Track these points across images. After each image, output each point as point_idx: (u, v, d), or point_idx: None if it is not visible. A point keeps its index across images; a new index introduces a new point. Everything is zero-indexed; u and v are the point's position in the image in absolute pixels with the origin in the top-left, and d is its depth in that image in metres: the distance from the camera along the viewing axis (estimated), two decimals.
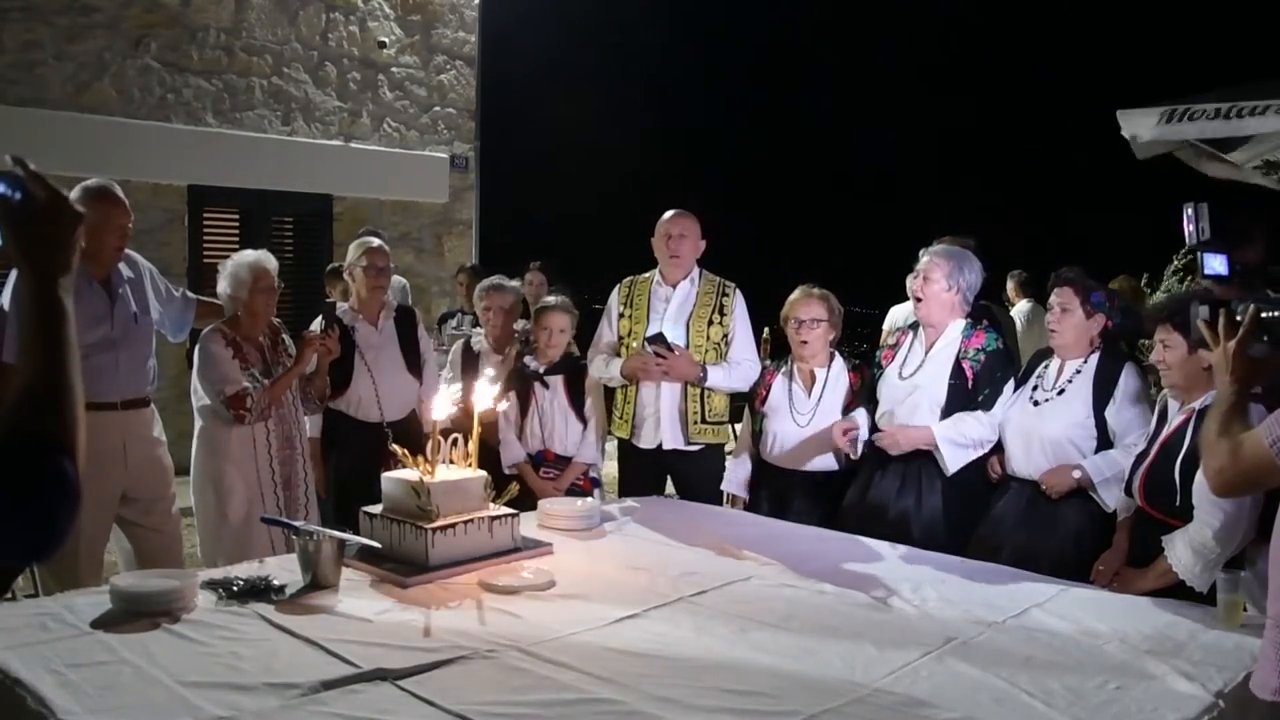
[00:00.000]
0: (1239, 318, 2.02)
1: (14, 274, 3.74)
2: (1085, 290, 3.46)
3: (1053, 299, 3.51)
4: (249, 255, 4.07)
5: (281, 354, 4.16)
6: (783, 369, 4.14)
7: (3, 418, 1.24)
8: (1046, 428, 3.41)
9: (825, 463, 3.95)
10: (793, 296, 4.09)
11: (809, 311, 3.99)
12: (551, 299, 4.62)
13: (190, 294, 4.46)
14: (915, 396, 3.73)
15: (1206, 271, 2.32)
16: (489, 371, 3.59)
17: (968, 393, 3.66)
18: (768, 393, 4.10)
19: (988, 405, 3.63)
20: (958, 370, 3.70)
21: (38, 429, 1.23)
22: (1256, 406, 2.40)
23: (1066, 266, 3.59)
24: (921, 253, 3.90)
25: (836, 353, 4.13)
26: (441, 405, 3.23)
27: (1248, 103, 4.88)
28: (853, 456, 3.78)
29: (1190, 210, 2.32)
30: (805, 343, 4.01)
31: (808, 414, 3.96)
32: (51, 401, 1.26)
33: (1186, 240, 2.34)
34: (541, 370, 4.38)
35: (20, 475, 1.19)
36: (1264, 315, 1.98)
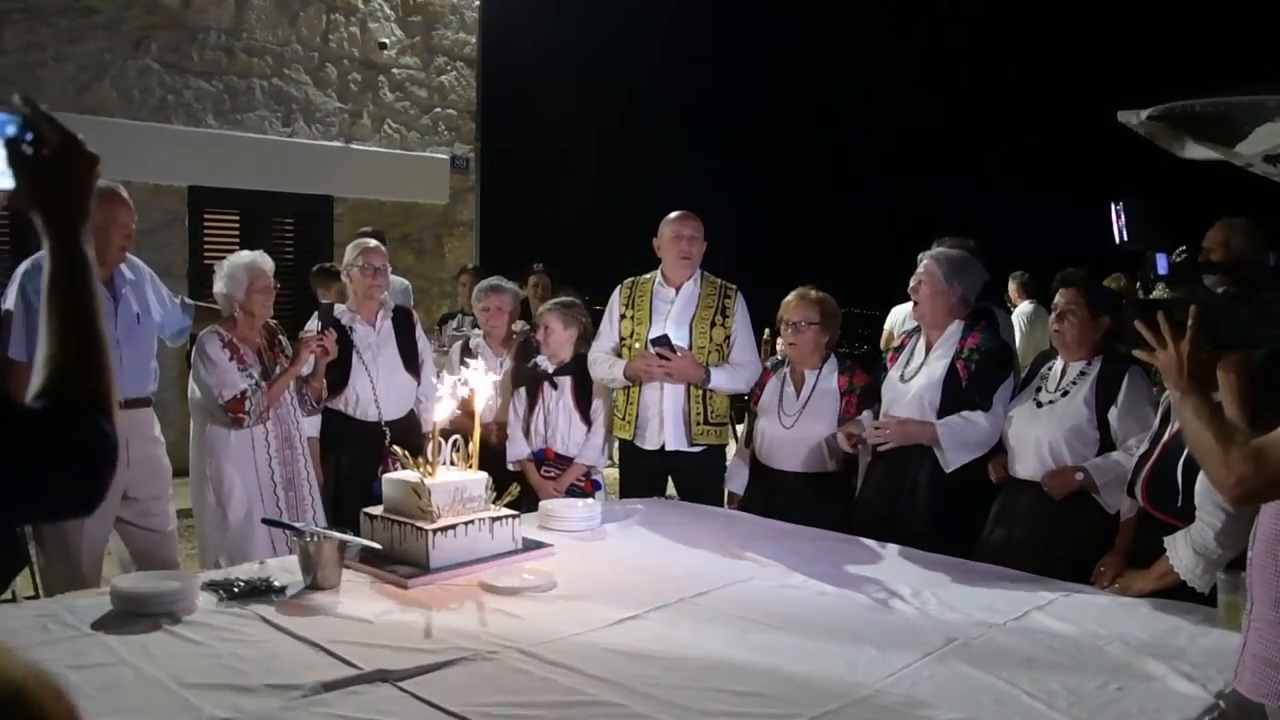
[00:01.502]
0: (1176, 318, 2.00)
1: (19, 271, 3.74)
2: (1090, 292, 3.46)
3: (1057, 300, 3.51)
4: (245, 256, 4.07)
5: (279, 354, 4.16)
6: (778, 370, 4.16)
7: (38, 379, 1.22)
8: (1049, 429, 3.41)
9: (811, 464, 3.96)
10: (788, 299, 4.12)
11: (799, 314, 4.02)
12: (551, 301, 4.65)
13: (189, 300, 4.46)
14: (913, 398, 3.74)
15: (1159, 271, 2.30)
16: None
17: (962, 392, 3.67)
18: (762, 392, 4.12)
19: (984, 404, 3.63)
20: (953, 371, 3.71)
21: (73, 389, 1.21)
22: None
23: (1072, 268, 3.59)
24: (920, 257, 3.92)
25: (833, 355, 4.14)
26: (444, 400, 3.23)
27: (1248, 99, 4.88)
28: (850, 451, 3.79)
29: (1118, 207, 2.29)
30: (793, 344, 4.03)
31: (794, 415, 3.97)
32: (83, 360, 1.24)
33: (1116, 239, 2.32)
34: (552, 370, 4.41)
35: (59, 437, 1.18)
36: (1208, 315, 1.97)
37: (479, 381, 3.25)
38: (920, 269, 3.86)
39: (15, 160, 1.24)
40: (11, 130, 1.24)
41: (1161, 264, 2.15)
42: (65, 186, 1.27)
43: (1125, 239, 2.21)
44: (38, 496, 1.17)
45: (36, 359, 1.24)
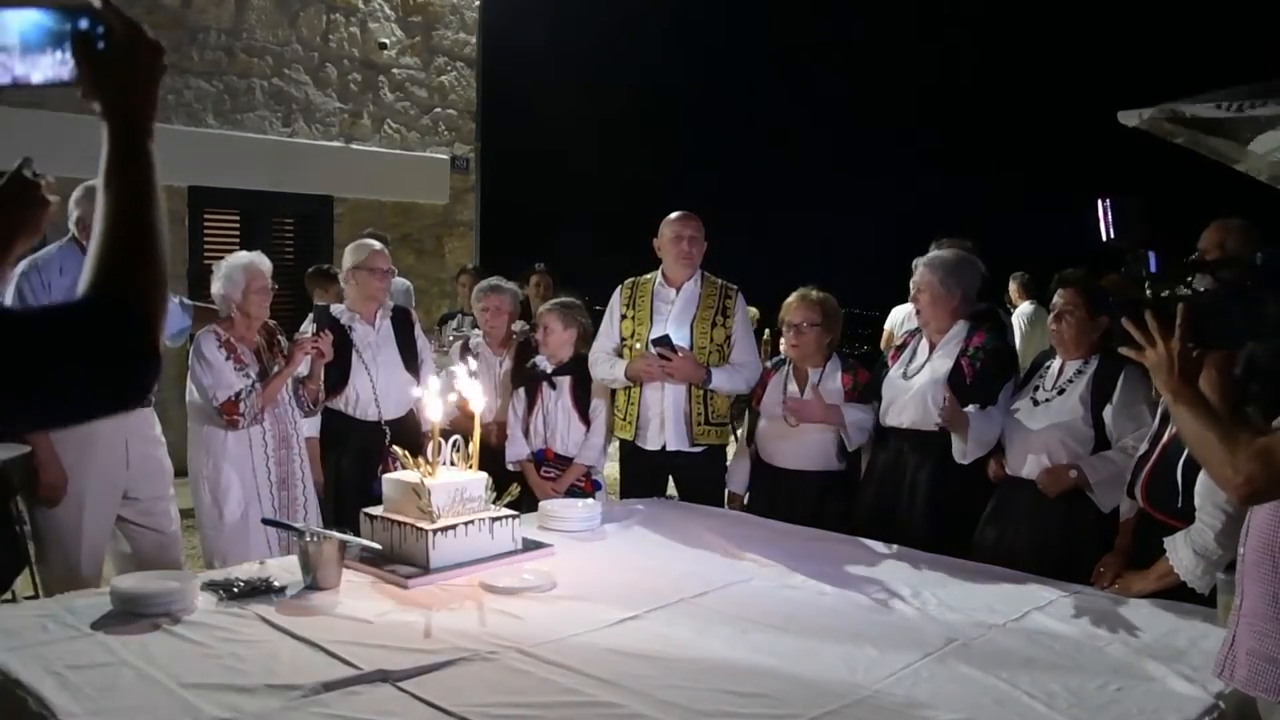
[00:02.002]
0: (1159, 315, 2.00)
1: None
2: (1089, 292, 3.46)
3: (1056, 300, 3.52)
4: (243, 256, 4.06)
5: (277, 354, 4.15)
6: (780, 369, 4.16)
7: (86, 275, 1.18)
8: (1045, 427, 3.41)
9: (816, 462, 3.96)
10: (789, 300, 4.12)
11: (800, 315, 4.02)
12: (551, 301, 4.64)
13: (187, 300, 4.46)
14: (916, 394, 3.75)
15: (1151, 269, 2.30)
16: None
17: (967, 389, 3.67)
18: (764, 392, 4.12)
19: (990, 402, 3.63)
20: (958, 368, 3.72)
21: (119, 293, 1.16)
22: None
23: (1070, 268, 3.59)
24: (915, 262, 3.94)
25: (836, 354, 4.14)
26: (435, 401, 3.23)
27: (1248, 101, 4.86)
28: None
29: (1103, 205, 2.28)
30: (795, 346, 4.03)
31: None
32: (132, 258, 1.19)
33: (1102, 237, 2.31)
34: (550, 370, 4.41)
35: (97, 336, 1.14)
36: (1195, 313, 1.97)
37: (469, 387, 3.27)
38: (917, 277, 3.88)
39: (81, 52, 1.23)
40: (84, 24, 1.23)
41: (1153, 262, 2.16)
42: (128, 76, 1.26)
43: (1111, 236, 2.21)
44: (73, 395, 1.15)
45: (88, 256, 1.20)
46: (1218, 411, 1.97)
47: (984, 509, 3.58)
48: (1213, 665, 2.15)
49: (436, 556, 2.91)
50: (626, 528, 3.61)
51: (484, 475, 3.18)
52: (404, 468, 3.18)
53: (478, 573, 2.91)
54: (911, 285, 4.01)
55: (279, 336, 4.23)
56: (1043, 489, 3.36)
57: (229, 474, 3.94)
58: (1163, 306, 2.00)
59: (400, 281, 6.96)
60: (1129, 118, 5.41)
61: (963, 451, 3.58)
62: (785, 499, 3.93)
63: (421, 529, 2.93)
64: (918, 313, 3.93)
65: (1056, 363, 3.54)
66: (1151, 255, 2.15)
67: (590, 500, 3.91)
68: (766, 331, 7.76)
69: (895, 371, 3.90)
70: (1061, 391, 3.45)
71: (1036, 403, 3.49)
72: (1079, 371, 3.45)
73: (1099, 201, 2.22)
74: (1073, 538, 3.30)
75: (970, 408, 3.60)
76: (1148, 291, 2.10)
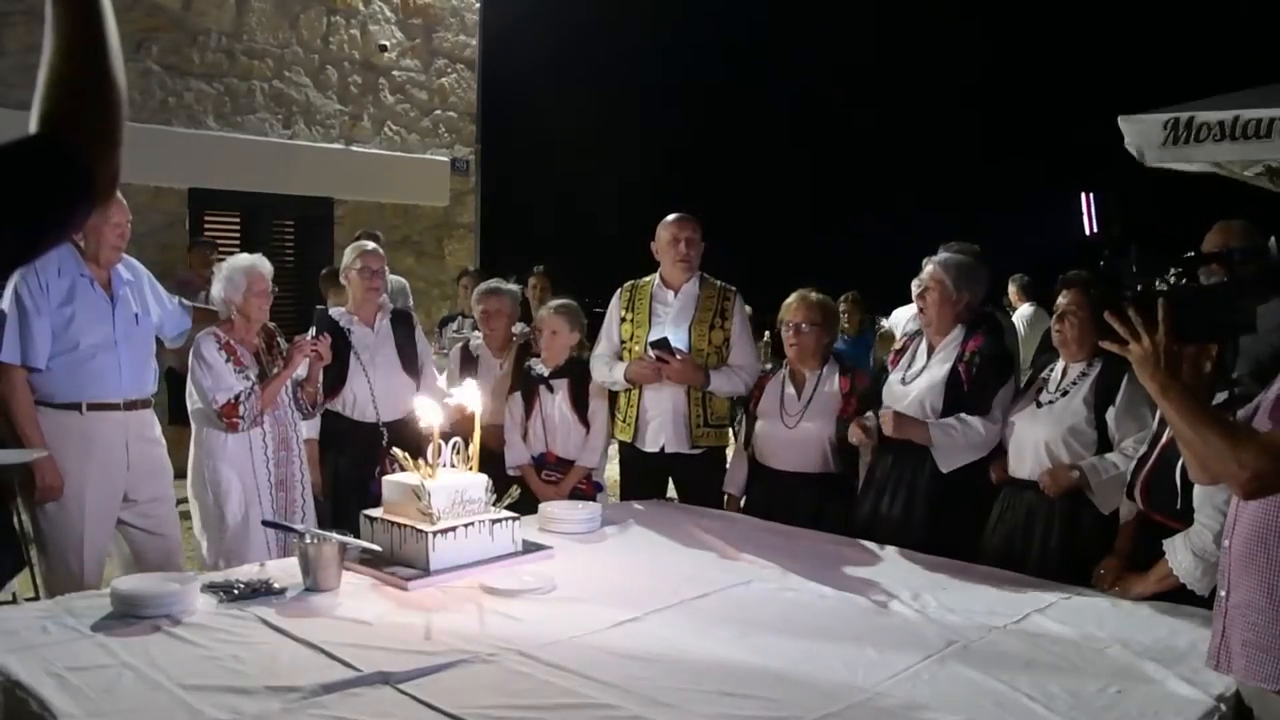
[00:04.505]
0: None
1: (15, 276, 3.73)
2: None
3: (1060, 301, 3.52)
4: (244, 259, 4.07)
5: (277, 357, 4.15)
6: (778, 372, 4.17)
7: (35, 109, 1.07)
8: (1048, 429, 3.41)
9: (814, 464, 3.96)
10: (788, 301, 4.13)
11: (799, 316, 4.03)
12: (554, 303, 4.64)
13: (186, 302, 4.46)
14: (913, 400, 3.75)
15: (1136, 263, 2.32)
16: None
17: (963, 395, 3.67)
18: (762, 394, 4.13)
19: (984, 407, 3.63)
20: (955, 374, 3.71)
21: (53, 130, 1.05)
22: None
23: (1074, 270, 3.59)
24: (925, 261, 3.93)
25: (833, 356, 4.15)
26: (431, 412, 3.23)
27: (1251, 111, 4.86)
28: (862, 442, 3.79)
29: (1088, 199, 2.29)
30: (793, 346, 4.04)
31: (796, 415, 3.98)
32: (72, 94, 1.06)
33: (1086, 230, 2.32)
34: (546, 374, 4.40)
35: (25, 189, 1.03)
36: (1175, 308, 1.98)
37: (471, 396, 3.27)
38: (926, 275, 3.86)
39: None
40: None
41: (1136, 257, 2.17)
42: None
43: (1094, 230, 2.22)
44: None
45: (38, 82, 1.07)
46: (1211, 405, 1.98)
47: (984, 511, 3.58)
48: (1206, 657, 2.15)
49: (436, 558, 2.91)
50: (626, 529, 3.62)
51: (484, 477, 3.19)
52: (404, 469, 3.18)
53: (478, 575, 2.92)
54: (916, 283, 3.99)
55: (278, 339, 4.23)
56: (1044, 489, 3.36)
57: (229, 476, 3.94)
58: (1144, 300, 2.01)
59: (396, 280, 6.96)
60: (1129, 124, 5.41)
61: (939, 462, 3.59)
62: (784, 501, 3.93)
63: (421, 531, 2.93)
64: (920, 311, 3.92)
65: (1060, 365, 3.55)
66: (1135, 249, 2.16)
67: (590, 502, 3.91)
68: (765, 334, 7.75)
69: (895, 376, 3.90)
70: (1065, 394, 3.45)
71: (1040, 405, 3.50)
72: (1083, 374, 3.45)
73: (1083, 196, 2.23)
74: (1074, 538, 3.30)
75: (951, 418, 3.61)
76: (1132, 285, 2.11)
